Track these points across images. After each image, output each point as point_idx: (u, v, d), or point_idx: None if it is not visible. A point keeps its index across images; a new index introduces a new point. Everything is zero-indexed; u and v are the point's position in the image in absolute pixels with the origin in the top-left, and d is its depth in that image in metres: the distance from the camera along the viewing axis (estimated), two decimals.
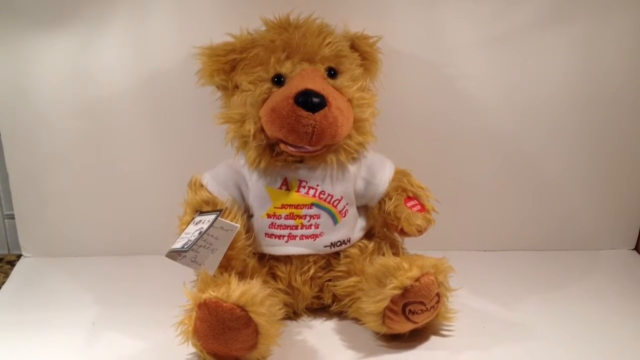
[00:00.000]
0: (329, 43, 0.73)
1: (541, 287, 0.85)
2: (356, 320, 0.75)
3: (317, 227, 0.74)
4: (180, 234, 0.72)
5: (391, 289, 0.67)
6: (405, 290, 0.67)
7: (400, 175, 0.77)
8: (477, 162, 0.90)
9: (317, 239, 0.74)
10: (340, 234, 0.75)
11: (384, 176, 0.77)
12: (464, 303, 0.76)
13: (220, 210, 0.72)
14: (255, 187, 0.74)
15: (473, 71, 0.85)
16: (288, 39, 0.72)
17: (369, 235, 0.80)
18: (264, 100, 0.71)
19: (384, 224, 0.77)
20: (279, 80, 0.72)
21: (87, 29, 0.82)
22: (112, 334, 0.75)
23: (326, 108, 0.67)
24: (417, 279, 0.67)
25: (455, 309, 0.74)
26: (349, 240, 0.76)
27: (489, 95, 0.86)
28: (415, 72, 0.85)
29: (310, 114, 0.67)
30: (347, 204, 0.75)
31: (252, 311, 0.64)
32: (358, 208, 0.78)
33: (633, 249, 0.96)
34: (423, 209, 0.76)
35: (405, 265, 0.68)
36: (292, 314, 0.77)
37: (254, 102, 0.71)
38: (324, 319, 0.78)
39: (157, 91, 0.85)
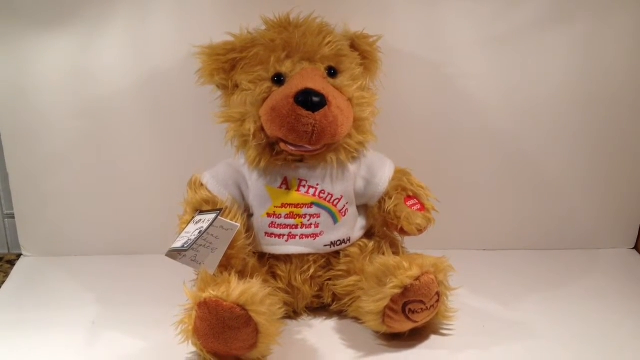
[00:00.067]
0: (329, 42, 0.73)
1: (541, 286, 0.85)
2: (356, 319, 0.75)
3: (317, 226, 0.74)
4: (180, 233, 0.72)
5: (391, 288, 0.67)
6: (405, 289, 0.67)
7: (400, 174, 0.77)
8: (477, 161, 0.90)
9: (317, 238, 0.74)
10: (340, 233, 0.75)
11: (384, 175, 0.77)
12: (463, 302, 0.76)
13: (220, 210, 0.72)
14: (255, 186, 0.74)
15: (473, 71, 0.85)
16: (288, 38, 0.72)
17: (369, 234, 0.80)
18: (264, 100, 0.71)
19: (384, 223, 0.77)
20: (279, 79, 0.72)
21: (87, 28, 0.82)
22: (112, 333, 0.75)
23: (326, 107, 0.67)
24: (417, 278, 0.67)
25: (455, 308, 0.74)
26: (349, 240, 0.77)
27: (489, 95, 0.86)
28: (415, 71, 0.85)
29: (310, 113, 0.67)
30: (347, 203, 0.75)
31: (252, 310, 0.64)
32: (358, 207, 0.78)
33: (633, 248, 0.96)
34: (423, 208, 0.76)
35: (405, 265, 0.68)
36: (292, 313, 0.77)
37: (254, 102, 0.71)
38: (324, 318, 0.78)
39: (157, 90, 0.85)
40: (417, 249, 0.77)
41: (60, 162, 0.88)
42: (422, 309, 0.69)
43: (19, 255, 0.94)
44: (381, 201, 0.76)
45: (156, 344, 0.72)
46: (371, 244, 0.77)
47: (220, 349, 0.66)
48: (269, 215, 0.74)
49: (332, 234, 0.75)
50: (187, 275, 0.75)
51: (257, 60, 0.73)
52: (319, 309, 0.79)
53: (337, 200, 0.74)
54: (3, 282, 0.87)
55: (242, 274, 0.70)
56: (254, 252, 0.75)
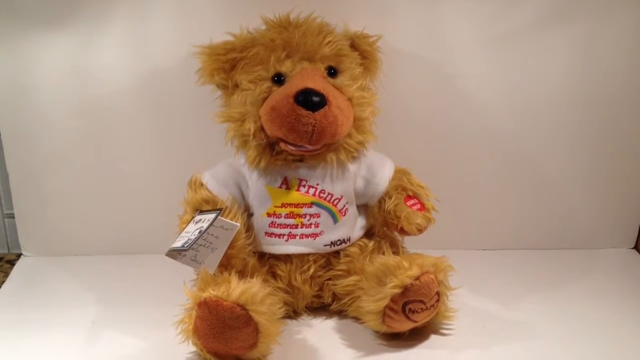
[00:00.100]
0: (329, 42, 0.73)
1: (541, 286, 0.85)
2: (356, 319, 0.75)
3: (317, 226, 0.74)
4: (180, 233, 0.72)
5: (391, 288, 0.67)
6: (405, 289, 0.67)
7: (400, 174, 0.77)
8: (477, 161, 0.90)
9: (317, 237, 0.74)
10: (340, 232, 0.75)
11: (384, 175, 0.77)
12: (463, 302, 0.76)
13: (220, 209, 0.72)
14: (255, 186, 0.74)
15: (473, 70, 0.85)
16: (288, 38, 0.72)
17: (369, 234, 0.80)
18: (264, 99, 0.71)
19: (384, 223, 0.77)
20: (279, 79, 0.72)
21: (87, 28, 0.82)
22: (112, 332, 0.75)
23: (326, 107, 0.67)
24: (417, 278, 0.67)
25: (455, 307, 0.74)
26: (349, 239, 0.77)
27: (489, 95, 0.86)
28: (415, 71, 0.85)
29: (310, 112, 0.67)
30: (347, 203, 0.75)
31: (252, 310, 0.64)
32: (358, 207, 0.78)
33: (632, 248, 0.96)
34: (423, 207, 0.76)
35: (405, 264, 0.68)
36: (292, 313, 0.77)
37: (254, 101, 0.71)
38: (324, 317, 0.78)
39: (157, 90, 0.85)
40: (417, 248, 0.77)
41: (60, 162, 0.88)
42: (422, 308, 0.69)
43: (19, 255, 0.94)
44: (381, 201, 0.76)
45: (156, 344, 0.72)
46: (371, 244, 0.77)
47: (221, 349, 0.66)
48: (269, 215, 0.74)
49: (332, 233, 0.75)
50: (187, 275, 0.75)
51: (257, 60, 0.73)
52: (319, 308, 0.79)
53: (337, 200, 0.74)
54: (3, 282, 0.87)
55: (242, 274, 0.70)
56: (254, 252, 0.75)
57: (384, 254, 0.74)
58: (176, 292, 0.70)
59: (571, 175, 0.91)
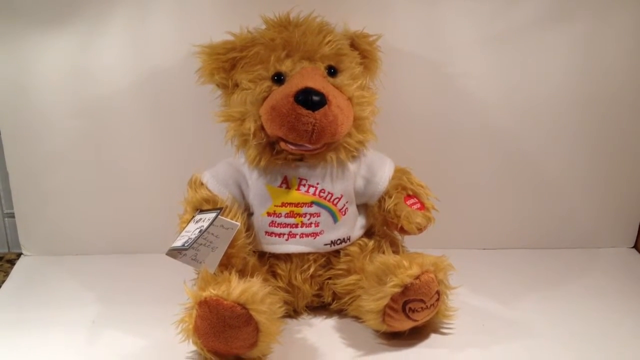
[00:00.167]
0: (329, 41, 0.73)
1: (541, 285, 0.85)
2: (356, 318, 0.76)
3: (317, 225, 0.74)
4: (180, 232, 0.72)
5: (391, 287, 0.67)
6: (405, 288, 0.67)
7: (400, 173, 0.77)
8: (477, 160, 0.90)
9: (317, 237, 0.74)
10: (340, 232, 0.76)
11: (384, 174, 0.77)
12: (463, 301, 0.76)
13: (220, 209, 0.72)
14: (256, 185, 0.74)
15: (473, 70, 0.85)
16: (288, 38, 0.72)
17: (369, 233, 0.80)
18: (264, 99, 0.71)
19: (384, 222, 0.77)
20: (279, 78, 0.72)
21: (87, 28, 0.82)
22: (113, 332, 0.75)
23: (326, 106, 0.68)
24: (417, 277, 0.67)
25: (455, 307, 0.74)
26: (349, 239, 0.77)
27: (489, 94, 0.86)
28: (415, 70, 0.85)
29: (310, 112, 0.67)
30: (347, 202, 0.75)
31: (253, 309, 0.64)
32: (358, 206, 0.78)
33: (632, 247, 0.96)
34: (423, 207, 0.76)
35: (405, 263, 0.68)
36: (293, 312, 0.77)
37: (254, 101, 0.71)
38: (324, 317, 0.78)
39: (157, 90, 0.85)
40: (417, 247, 0.77)
41: (60, 161, 0.88)
42: (422, 307, 0.69)
43: (19, 255, 0.94)
44: (381, 200, 0.77)
45: (157, 343, 0.72)
46: (371, 243, 0.77)
47: (221, 348, 0.66)
48: (269, 214, 0.74)
49: (332, 233, 0.75)
50: (187, 274, 0.75)
51: (257, 59, 0.73)
52: (319, 307, 0.79)
53: (337, 199, 0.74)
54: (3, 281, 0.87)
55: (242, 273, 0.70)
56: (254, 251, 0.75)
57: (384, 253, 0.74)
58: (176, 291, 0.70)
59: (571, 174, 0.91)
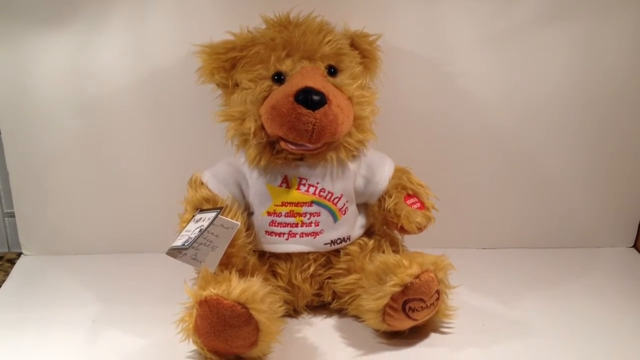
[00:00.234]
0: (329, 41, 0.73)
1: (540, 285, 0.85)
2: (356, 317, 0.76)
3: (317, 225, 0.74)
4: (180, 232, 0.72)
5: (391, 286, 0.67)
6: (405, 288, 0.67)
7: (400, 173, 0.78)
8: (476, 160, 0.90)
9: (317, 236, 0.75)
10: (340, 231, 0.76)
11: (384, 174, 0.77)
12: (463, 300, 0.77)
13: (220, 208, 0.72)
14: (256, 184, 0.74)
15: (473, 69, 0.85)
16: (288, 37, 0.72)
17: (368, 232, 0.80)
18: (264, 98, 0.71)
19: (384, 222, 0.78)
20: (279, 78, 0.72)
21: (87, 27, 0.82)
22: (113, 331, 0.75)
23: (326, 106, 0.68)
24: (417, 276, 0.67)
25: (455, 306, 0.75)
26: (349, 238, 0.77)
27: (489, 94, 0.86)
28: (415, 70, 0.85)
29: (310, 111, 0.67)
30: (347, 202, 0.75)
31: (253, 308, 0.64)
32: (358, 206, 0.78)
33: (632, 247, 0.96)
34: (423, 206, 0.76)
35: (405, 263, 0.68)
36: (293, 312, 0.77)
37: (254, 100, 0.71)
38: (324, 316, 0.78)
39: (158, 89, 0.85)
40: (417, 247, 0.77)
41: (60, 161, 0.88)
42: (422, 307, 0.69)
43: (19, 254, 0.94)
44: (381, 199, 0.77)
45: (157, 343, 0.72)
46: (371, 243, 0.77)
47: (221, 347, 0.66)
48: (269, 213, 0.74)
49: (332, 232, 0.75)
50: (187, 273, 0.75)
51: (258, 59, 0.73)
52: (319, 307, 0.79)
53: (337, 199, 0.74)
54: (3, 281, 0.87)
55: (242, 273, 0.70)
56: (254, 251, 0.75)
57: (384, 252, 0.74)
58: (177, 290, 0.70)
59: (571, 174, 0.91)
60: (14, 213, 0.92)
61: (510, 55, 0.85)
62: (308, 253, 0.75)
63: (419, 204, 0.76)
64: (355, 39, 0.77)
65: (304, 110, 0.67)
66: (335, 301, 0.77)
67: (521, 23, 0.83)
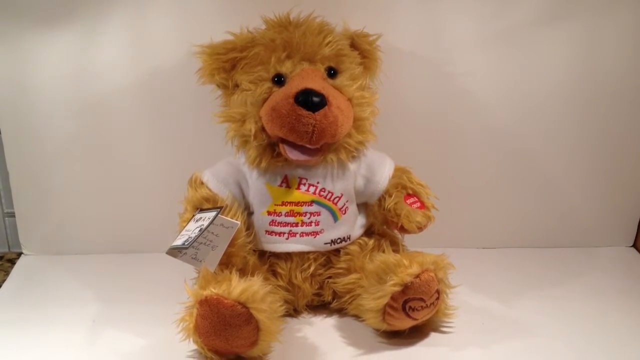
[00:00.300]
0: (329, 42, 0.73)
1: (540, 284, 0.85)
2: (356, 317, 0.76)
3: (318, 224, 0.74)
4: (180, 231, 0.72)
5: (391, 286, 0.67)
6: (406, 287, 0.67)
7: (400, 172, 0.78)
8: (476, 160, 0.90)
9: (318, 236, 0.75)
10: (341, 231, 0.76)
11: (384, 174, 0.77)
12: (463, 300, 0.77)
13: (220, 208, 0.72)
14: (256, 184, 0.74)
15: (473, 69, 0.85)
16: (288, 38, 0.72)
17: (369, 232, 0.80)
18: (265, 100, 0.71)
19: (384, 221, 0.78)
20: (279, 79, 0.72)
21: (88, 27, 0.82)
22: (113, 331, 0.75)
23: (326, 107, 0.68)
24: (417, 276, 0.67)
25: (454, 305, 0.75)
26: (349, 238, 0.77)
27: (489, 93, 0.87)
28: (415, 70, 0.85)
29: (310, 113, 0.67)
30: (347, 201, 0.75)
31: (253, 308, 0.64)
32: (358, 205, 0.78)
33: (631, 246, 0.96)
34: (423, 206, 0.76)
35: (405, 262, 0.68)
36: (293, 311, 0.77)
37: (255, 102, 0.71)
38: (324, 315, 0.78)
39: (158, 89, 0.85)
40: (417, 246, 0.77)
41: (60, 161, 0.88)
42: (422, 306, 0.69)
43: (19, 254, 0.94)
44: (381, 199, 0.77)
45: (157, 342, 0.72)
46: (371, 242, 0.77)
47: (221, 347, 0.66)
48: (269, 213, 0.74)
49: (332, 232, 0.75)
50: (187, 273, 0.75)
51: (258, 60, 0.73)
52: (319, 306, 0.79)
53: (338, 199, 0.75)
54: (3, 280, 0.87)
55: (242, 272, 0.70)
56: (254, 250, 0.75)
57: (384, 252, 0.74)
58: (177, 290, 0.70)
59: (570, 173, 0.92)
60: (14, 213, 0.92)
61: (510, 55, 0.85)
62: (308, 252, 0.76)
63: (419, 204, 0.76)
64: (355, 39, 0.77)
65: (304, 112, 0.67)
66: (335, 301, 0.77)
67: (521, 23, 0.83)
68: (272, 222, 0.74)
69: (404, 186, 0.76)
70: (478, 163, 0.90)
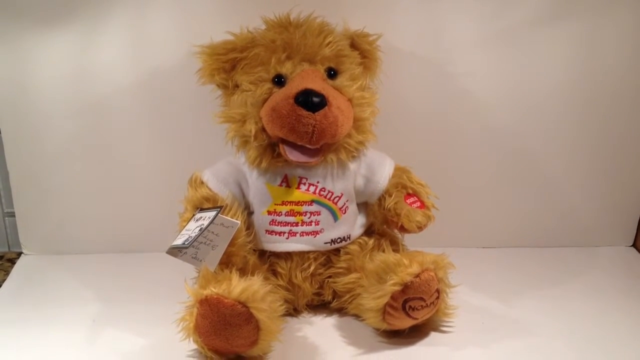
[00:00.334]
0: (329, 43, 0.73)
1: (540, 284, 0.85)
2: (356, 316, 0.76)
3: (318, 224, 0.74)
4: (180, 231, 0.73)
5: (391, 285, 0.67)
6: (406, 287, 0.67)
7: (400, 172, 0.78)
8: (476, 159, 0.90)
9: (318, 235, 0.75)
10: (341, 230, 0.76)
11: (384, 173, 0.77)
12: (463, 299, 0.77)
13: (220, 207, 0.72)
14: (256, 184, 0.74)
15: (473, 69, 0.85)
16: (288, 39, 0.72)
17: (369, 232, 0.80)
18: (265, 101, 0.71)
19: (384, 221, 0.78)
20: (279, 80, 0.72)
21: (88, 27, 0.82)
22: (113, 331, 0.75)
23: (326, 107, 0.68)
24: (417, 275, 0.67)
25: (454, 305, 0.75)
26: (349, 237, 0.77)
27: (490, 93, 0.87)
28: (415, 70, 0.85)
29: (310, 113, 0.67)
30: (347, 201, 0.75)
31: (253, 307, 0.64)
32: (358, 205, 0.78)
33: (631, 246, 0.96)
34: (423, 205, 0.76)
35: (405, 262, 0.68)
36: (293, 311, 0.77)
37: (255, 102, 0.71)
38: (325, 315, 0.78)
39: (158, 89, 0.85)
40: (417, 246, 0.77)
41: (60, 161, 0.88)
42: (422, 306, 0.69)
43: (19, 254, 0.94)
44: (381, 199, 0.77)
45: (157, 342, 0.72)
46: (371, 242, 0.77)
47: (222, 346, 0.66)
48: (269, 212, 0.74)
49: (332, 231, 0.75)
50: (188, 272, 0.75)
51: (258, 60, 0.73)
52: (320, 306, 0.79)
53: (338, 198, 0.75)
54: (3, 280, 0.87)
55: (242, 272, 0.70)
56: (254, 250, 0.75)
57: (384, 251, 0.74)
58: (177, 289, 0.70)
59: (570, 173, 0.92)
60: (14, 213, 0.92)
61: (510, 55, 0.85)
62: (308, 252, 0.76)
63: (419, 203, 0.76)
64: (355, 39, 0.77)
65: (304, 112, 0.67)
66: (335, 300, 0.77)
67: (521, 23, 0.84)
68: (272, 222, 0.74)
69: (404, 186, 0.76)
70: (478, 163, 0.91)
